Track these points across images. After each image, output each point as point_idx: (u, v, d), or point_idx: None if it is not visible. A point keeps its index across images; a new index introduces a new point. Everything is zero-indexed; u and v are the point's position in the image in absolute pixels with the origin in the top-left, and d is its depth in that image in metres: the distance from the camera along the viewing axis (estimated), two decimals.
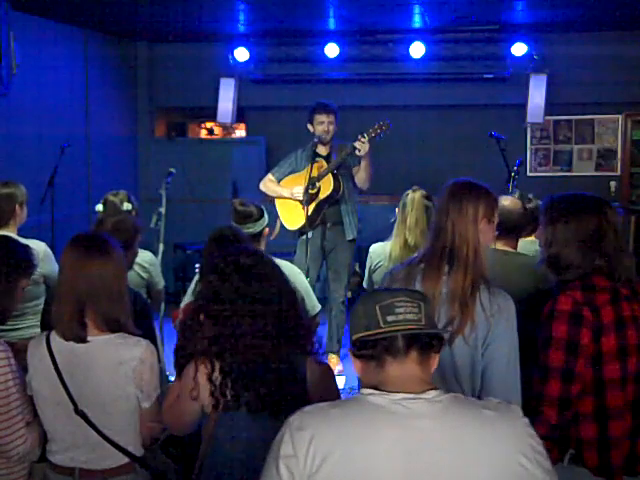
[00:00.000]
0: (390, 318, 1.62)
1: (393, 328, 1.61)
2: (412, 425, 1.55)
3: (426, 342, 1.64)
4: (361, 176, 5.28)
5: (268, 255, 2.34)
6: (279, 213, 5.40)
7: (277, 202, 5.51)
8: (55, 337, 2.40)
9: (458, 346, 2.27)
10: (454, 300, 2.28)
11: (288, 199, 5.43)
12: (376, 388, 1.62)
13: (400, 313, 1.62)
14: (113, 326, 2.39)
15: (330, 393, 2.16)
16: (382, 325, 1.62)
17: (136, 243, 3.32)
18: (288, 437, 1.57)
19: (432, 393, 1.61)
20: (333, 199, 5.37)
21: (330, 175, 5.31)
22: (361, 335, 1.65)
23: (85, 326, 2.37)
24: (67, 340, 2.38)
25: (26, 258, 2.64)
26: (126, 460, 2.40)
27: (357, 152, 5.09)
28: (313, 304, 3.59)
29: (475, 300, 2.27)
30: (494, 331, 2.27)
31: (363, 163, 5.18)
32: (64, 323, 2.37)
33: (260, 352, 2.11)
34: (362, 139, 5.05)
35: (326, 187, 5.32)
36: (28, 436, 2.41)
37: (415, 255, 2.50)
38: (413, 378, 1.63)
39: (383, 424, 1.56)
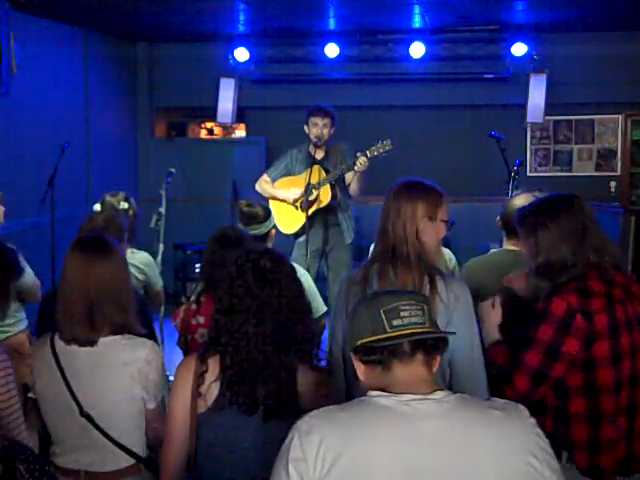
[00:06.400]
0: (396, 322, 1.61)
1: (400, 332, 1.61)
2: (421, 426, 1.55)
3: (431, 344, 1.64)
4: (354, 187, 5.34)
5: (293, 264, 2.26)
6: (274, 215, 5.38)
7: (271, 204, 5.48)
8: (58, 339, 2.38)
9: None
10: None
11: (283, 202, 5.42)
12: (382, 391, 1.62)
13: (405, 317, 1.62)
14: (120, 327, 2.37)
15: (319, 401, 2.08)
16: (388, 330, 1.61)
17: (124, 240, 3.28)
18: (297, 441, 1.56)
19: (440, 394, 1.61)
20: (331, 207, 5.40)
21: (328, 185, 5.33)
22: (367, 340, 1.63)
23: (96, 328, 2.35)
24: (77, 344, 2.35)
25: (16, 261, 2.63)
26: (131, 462, 2.38)
27: (356, 169, 5.11)
28: (319, 306, 3.55)
29: (435, 293, 2.29)
30: (454, 319, 2.29)
31: (358, 175, 5.21)
32: (74, 326, 2.35)
33: (262, 355, 2.05)
34: (363, 159, 5.06)
35: (325, 197, 5.33)
36: (30, 442, 2.37)
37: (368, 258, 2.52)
38: (419, 380, 1.63)
39: (392, 425, 1.55)
